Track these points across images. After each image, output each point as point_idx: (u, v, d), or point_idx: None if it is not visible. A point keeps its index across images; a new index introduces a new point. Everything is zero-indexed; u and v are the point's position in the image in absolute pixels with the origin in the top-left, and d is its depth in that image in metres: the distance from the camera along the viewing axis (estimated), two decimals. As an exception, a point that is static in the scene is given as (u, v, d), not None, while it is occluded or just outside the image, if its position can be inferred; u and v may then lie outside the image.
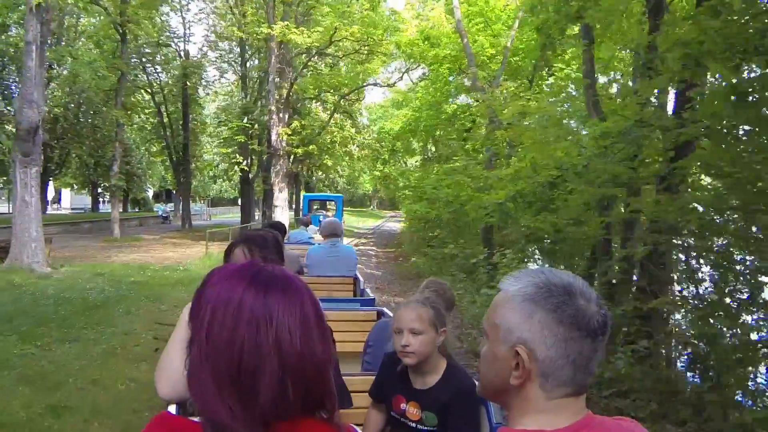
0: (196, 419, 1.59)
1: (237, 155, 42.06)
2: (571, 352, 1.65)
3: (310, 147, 36.05)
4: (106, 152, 53.68)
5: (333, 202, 42.26)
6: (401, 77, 48.08)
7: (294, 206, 63.14)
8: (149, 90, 51.47)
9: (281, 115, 34.55)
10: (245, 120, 39.75)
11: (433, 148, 50.05)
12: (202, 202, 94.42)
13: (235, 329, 1.53)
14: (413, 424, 3.56)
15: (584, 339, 1.65)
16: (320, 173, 61.06)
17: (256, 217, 48.70)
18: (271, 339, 1.52)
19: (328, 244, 9.32)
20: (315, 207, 40.18)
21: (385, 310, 6.53)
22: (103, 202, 74.35)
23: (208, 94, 53.65)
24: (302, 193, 53.51)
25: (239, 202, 50.82)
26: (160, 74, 51.47)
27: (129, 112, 45.26)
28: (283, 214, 33.83)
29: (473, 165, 24.86)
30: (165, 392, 2.98)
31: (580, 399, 1.71)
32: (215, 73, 52.11)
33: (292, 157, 35.97)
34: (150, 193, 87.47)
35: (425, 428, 3.53)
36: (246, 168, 43.38)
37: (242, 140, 39.22)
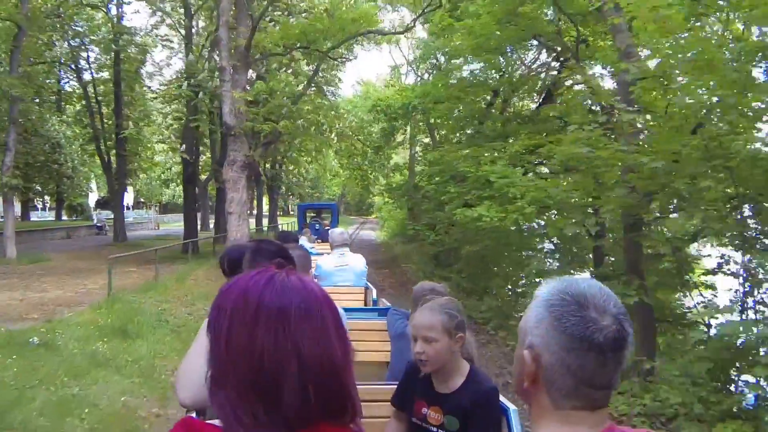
0: (218, 423, 1.57)
1: (173, 138, 30.71)
2: (572, 363, 1.62)
3: (281, 123, 23.89)
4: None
5: (328, 211, 37.78)
6: (416, 19, 33.37)
7: (256, 213, 55.08)
8: (73, 66, 40.22)
9: (237, 76, 22.50)
10: (185, 86, 27.44)
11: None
12: (149, 208, 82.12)
13: (253, 335, 1.51)
14: (434, 429, 3.47)
15: (587, 352, 1.61)
16: (290, 170, 48.77)
17: (210, 226, 37.59)
18: (290, 343, 1.50)
19: (337, 254, 9.09)
20: (311, 216, 36.58)
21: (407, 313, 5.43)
22: (43, 207, 62.73)
23: (151, 72, 41.05)
24: (263, 198, 49.36)
25: (190, 207, 37.14)
26: (88, 46, 39.44)
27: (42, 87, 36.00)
28: (240, 225, 22.39)
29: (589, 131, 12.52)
30: (186, 399, 2.99)
31: (596, 414, 1.65)
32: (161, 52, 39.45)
33: (255, 145, 23.99)
34: (92, 199, 74.72)
35: None
36: (188, 158, 31.91)
37: (182, 115, 28.89)
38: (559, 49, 21.88)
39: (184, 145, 31.09)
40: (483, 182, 17.40)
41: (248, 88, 24.19)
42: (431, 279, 7.50)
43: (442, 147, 31.06)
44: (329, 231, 11.99)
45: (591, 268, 17.41)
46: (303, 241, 14.54)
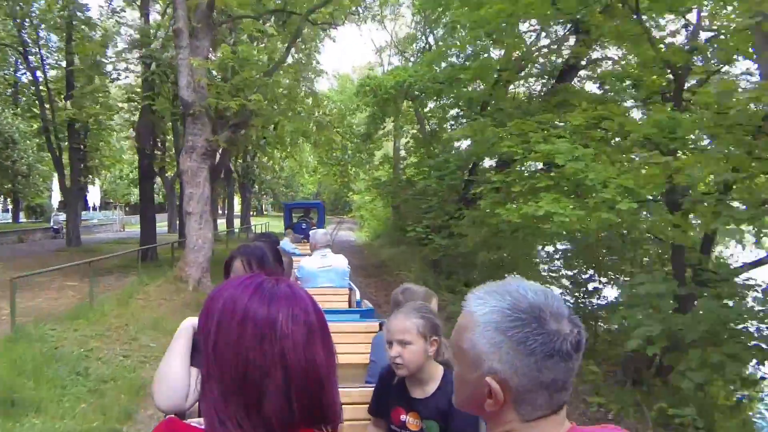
0: (199, 425, 1.60)
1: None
2: (545, 378, 1.58)
3: (252, 98, 18.68)
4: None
5: (315, 210, 36.67)
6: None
7: (227, 213, 51.85)
8: (21, 50, 34.53)
9: (198, 42, 17.71)
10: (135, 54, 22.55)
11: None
12: (116, 209, 76.99)
13: (240, 340, 1.52)
14: None
15: (557, 364, 1.58)
16: (264, 164, 44.05)
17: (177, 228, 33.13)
18: (276, 350, 1.51)
19: (319, 255, 9.04)
20: (298, 215, 35.17)
21: (385, 321, 4.69)
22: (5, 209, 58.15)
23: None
24: (234, 197, 48.41)
25: (148, 206, 31.69)
26: (36, 24, 33.98)
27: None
28: (201, 228, 17.85)
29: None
30: (163, 403, 2.84)
31: (559, 415, 1.64)
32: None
33: (220, 128, 18.92)
34: (55, 199, 69.77)
35: None
36: (144, 148, 26.97)
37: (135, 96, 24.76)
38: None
39: (134, 133, 26.46)
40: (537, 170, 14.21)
41: (212, 57, 19.40)
42: (437, 292, 5.54)
43: (434, 138, 30.63)
44: (311, 232, 11.06)
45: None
46: (285, 242, 14.57)
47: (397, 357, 3.43)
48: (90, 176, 49.44)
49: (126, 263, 24.14)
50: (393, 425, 3.57)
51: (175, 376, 2.72)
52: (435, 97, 28.86)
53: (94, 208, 72.59)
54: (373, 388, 3.89)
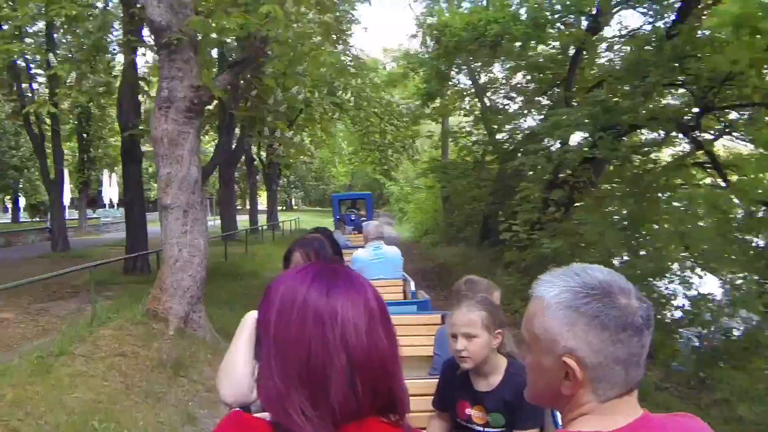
0: (267, 418, 1.55)
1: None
2: (621, 353, 1.58)
3: (262, 10, 10.44)
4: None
5: (363, 201, 32.85)
6: None
7: (249, 207, 46.30)
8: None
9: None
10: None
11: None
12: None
13: (301, 328, 1.51)
14: (480, 429, 3.50)
15: (631, 338, 1.58)
16: (290, 151, 38.21)
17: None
18: (338, 335, 1.49)
19: (372, 247, 9.05)
20: (346, 207, 31.99)
21: (449, 313, 4.44)
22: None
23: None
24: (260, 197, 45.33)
25: (134, 199, 24.72)
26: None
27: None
28: (187, 231, 10.97)
29: None
30: (228, 397, 2.83)
31: (633, 396, 1.65)
32: None
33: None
34: (66, 196, 63.91)
35: (493, 431, 3.47)
36: (127, 122, 19.92)
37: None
38: None
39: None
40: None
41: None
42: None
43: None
44: (363, 224, 11.35)
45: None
46: (338, 234, 13.99)
47: (462, 350, 3.41)
48: (96, 169, 44.34)
49: (106, 278, 17.58)
50: (458, 419, 3.56)
51: (239, 369, 2.68)
52: (518, 44, 23.20)
53: (111, 205, 65.17)
54: (436, 380, 3.84)
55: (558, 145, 19.78)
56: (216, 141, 30.31)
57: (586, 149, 16.85)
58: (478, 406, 3.46)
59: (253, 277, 20.53)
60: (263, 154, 43.46)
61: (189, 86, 10.64)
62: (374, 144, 41.55)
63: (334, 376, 1.45)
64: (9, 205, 55.79)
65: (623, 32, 22.78)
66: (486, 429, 3.44)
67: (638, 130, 17.91)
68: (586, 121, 16.26)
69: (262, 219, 45.99)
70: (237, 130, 28.72)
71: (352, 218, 24.97)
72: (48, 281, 13.74)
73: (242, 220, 44.39)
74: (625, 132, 17.02)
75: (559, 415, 2.38)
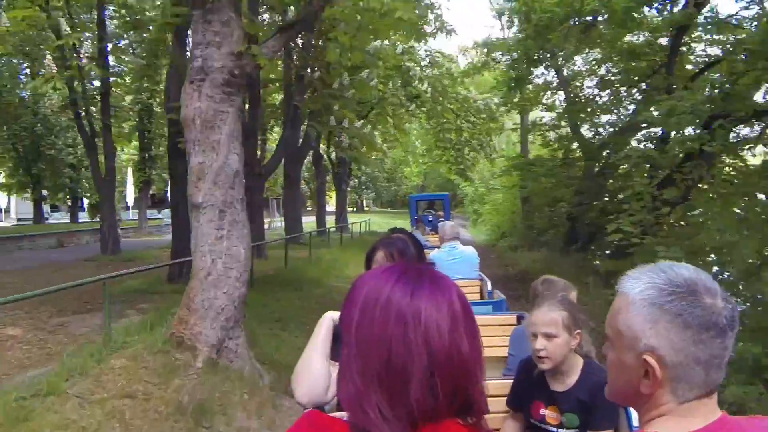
0: (344, 418, 1.55)
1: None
2: (702, 354, 1.56)
3: None
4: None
5: (440, 202, 35.38)
6: None
7: (317, 209, 44.71)
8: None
9: None
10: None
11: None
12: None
13: (383, 327, 1.50)
14: (554, 429, 3.51)
15: (714, 339, 1.55)
16: (361, 150, 36.77)
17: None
18: (420, 336, 1.48)
19: (448, 248, 9.21)
20: (423, 207, 34.81)
21: (525, 313, 5.31)
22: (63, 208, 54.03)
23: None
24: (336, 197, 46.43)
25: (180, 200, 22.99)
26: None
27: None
28: (225, 237, 8.79)
29: None
30: (303, 397, 2.85)
31: (712, 398, 1.62)
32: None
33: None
34: (130, 196, 63.13)
35: (567, 431, 3.48)
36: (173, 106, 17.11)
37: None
38: None
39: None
40: None
41: None
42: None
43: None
44: (439, 224, 11.50)
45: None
46: (416, 234, 14.13)
47: (541, 350, 3.43)
48: (158, 167, 44.60)
49: (146, 286, 16.40)
50: (532, 419, 3.58)
51: (315, 369, 2.70)
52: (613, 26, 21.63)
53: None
54: (510, 381, 3.88)
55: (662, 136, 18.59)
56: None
57: (706, 141, 14.65)
58: (552, 406, 3.48)
59: (314, 285, 18.38)
60: (333, 154, 41.79)
61: (228, 54, 8.50)
62: (449, 142, 40.38)
63: (414, 376, 1.43)
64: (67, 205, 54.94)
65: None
66: (560, 429, 3.45)
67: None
68: (709, 106, 14.20)
69: (331, 221, 44.48)
70: (304, 127, 27.32)
71: (430, 219, 26.16)
72: (83, 287, 11.17)
73: (309, 222, 43.21)
74: (743, 120, 15.84)
75: (634, 417, 3.18)
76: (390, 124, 38.70)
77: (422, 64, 31.89)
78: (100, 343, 8.96)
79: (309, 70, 19.66)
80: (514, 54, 27.38)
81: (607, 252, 20.94)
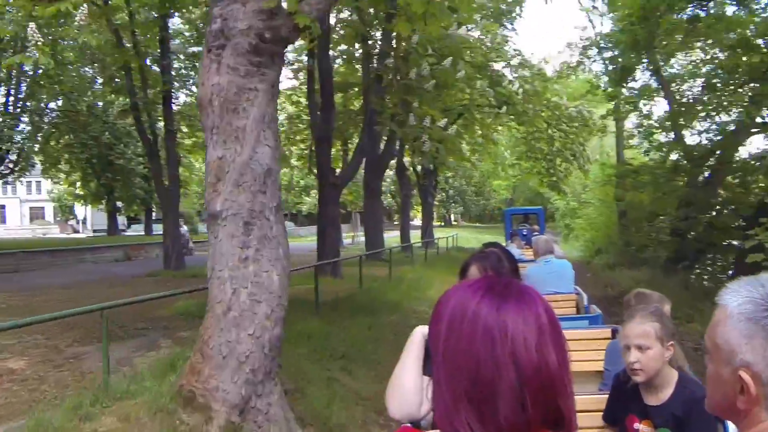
0: None
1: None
2: None
3: None
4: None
5: (535, 216, 35.27)
6: None
7: (401, 223, 43.80)
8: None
9: None
10: None
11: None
12: None
13: (470, 343, 1.46)
14: None
15: None
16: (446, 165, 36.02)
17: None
18: (507, 351, 1.44)
19: (542, 262, 9.03)
20: (517, 222, 34.33)
21: (619, 327, 4.87)
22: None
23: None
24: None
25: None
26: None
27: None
28: (252, 257, 6.57)
29: None
30: (396, 412, 2.83)
31: None
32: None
33: None
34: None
35: None
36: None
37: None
38: None
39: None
40: None
41: None
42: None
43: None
44: (533, 238, 12.11)
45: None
46: (512, 248, 14.03)
47: (635, 362, 3.39)
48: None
49: (195, 309, 13.69)
50: None
51: (408, 385, 2.68)
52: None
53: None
54: (606, 396, 3.86)
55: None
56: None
57: None
58: (646, 420, 3.45)
59: (391, 310, 16.26)
60: (419, 166, 40.42)
61: (256, 12, 6.41)
62: (540, 152, 39.30)
63: (502, 392, 1.40)
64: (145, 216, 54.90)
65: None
66: None
67: None
68: None
69: (417, 236, 43.34)
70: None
71: (524, 233, 25.80)
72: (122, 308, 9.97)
73: (392, 237, 42.40)
74: None
75: (732, 429, 3.04)
76: (478, 134, 37.02)
77: (511, 63, 30.72)
78: (93, 392, 7.02)
79: (386, 64, 17.93)
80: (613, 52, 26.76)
81: (730, 272, 18.73)
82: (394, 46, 19.99)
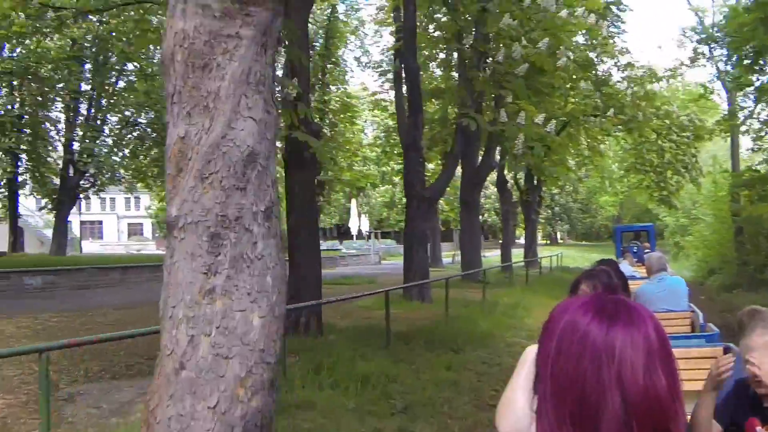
0: None
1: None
2: None
3: None
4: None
5: (645, 233, 34.18)
6: None
7: (502, 241, 40.88)
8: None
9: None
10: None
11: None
12: (369, 237, 69.47)
13: (577, 363, 1.49)
14: None
15: None
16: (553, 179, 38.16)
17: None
18: (614, 375, 1.45)
19: (656, 280, 9.18)
20: (629, 239, 33.17)
21: (732, 345, 5.47)
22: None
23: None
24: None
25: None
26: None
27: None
28: (226, 282, 3.95)
29: None
30: (506, 430, 2.60)
31: None
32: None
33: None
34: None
35: None
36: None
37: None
38: None
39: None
40: None
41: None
42: None
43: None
44: (645, 256, 12.31)
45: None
46: (624, 265, 14.18)
47: (758, 375, 3.35)
48: (326, 194, 44.51)
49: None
50: None
51: (518, 403, 2.46)
52: None
53: (360, 236, 66.73)
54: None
55: None
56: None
57: None
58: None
59: (479, 344, 13.93)
60: (522, 180, 40.04)
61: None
62: (650, 164, 39.40)
63: (606, 416, 1.42)
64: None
65: None
66: None
67: None
68: None
69: (519, 255, 42.25)
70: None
71: (635, 250, 25.59)
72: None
73: (492, 257, 42.74)
74: None
75: None
76: (584, 145, 36.49)
77: (618, 62, 30.55)
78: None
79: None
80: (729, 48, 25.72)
81: None
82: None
